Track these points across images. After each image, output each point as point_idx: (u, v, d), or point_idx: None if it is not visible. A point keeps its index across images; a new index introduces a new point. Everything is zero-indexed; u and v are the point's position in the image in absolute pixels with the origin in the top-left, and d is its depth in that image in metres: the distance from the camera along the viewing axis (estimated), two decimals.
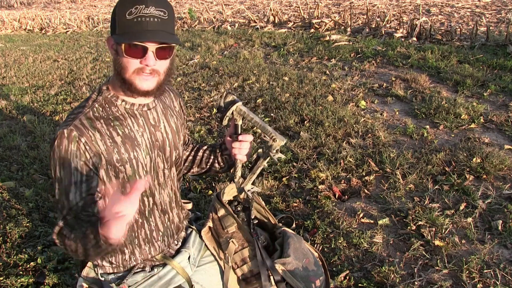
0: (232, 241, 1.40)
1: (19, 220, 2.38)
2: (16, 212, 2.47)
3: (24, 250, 2.14)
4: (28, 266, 2.02)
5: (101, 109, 1.13)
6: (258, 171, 1.33)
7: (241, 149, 1.31)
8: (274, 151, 1.27)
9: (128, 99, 1.16)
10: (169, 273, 1.29)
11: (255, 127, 1.28)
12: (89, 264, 1.28)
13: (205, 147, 1.46)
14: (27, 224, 2.35)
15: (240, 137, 1.30)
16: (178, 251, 1.36)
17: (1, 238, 2.23)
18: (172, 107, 1.31)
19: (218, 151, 1.44)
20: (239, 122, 1.30)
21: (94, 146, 1.08)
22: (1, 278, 1.92)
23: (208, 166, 1.46)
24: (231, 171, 1.44)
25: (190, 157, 1.46)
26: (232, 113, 1.28)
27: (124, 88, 1.12)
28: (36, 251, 2.12)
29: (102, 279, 1.27)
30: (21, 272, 1.98)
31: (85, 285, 1.27)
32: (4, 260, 2.06)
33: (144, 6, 1.03)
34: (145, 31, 1.03)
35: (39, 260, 2.04)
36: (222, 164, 1.44)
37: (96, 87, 1.16)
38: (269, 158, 1.29)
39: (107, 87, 1.16)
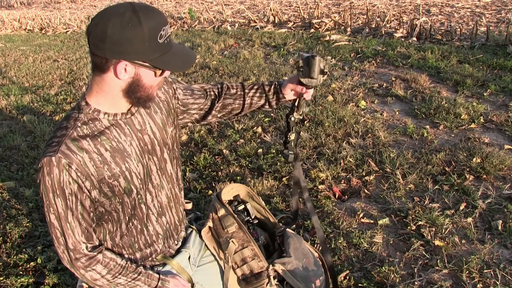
0: (232, 241, 1.40)
1: (19, 220, 2.38)
2: (16, 212, 2.47)
3: (24, 250, 2.14)
4: (28, 266, 2.02)
5: (85, 126, 1.08)
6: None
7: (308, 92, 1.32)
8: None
9: (110, 111, 1.11)
10: (169, 273, 1.29)
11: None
12: None
13: (251, 93, 1.40)
14: (27, 224, 2.35)
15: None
16: (178, 251, 1.36)
17: (1, 238, 2.23)
18: (156, 101, 1.26)
19: (272, 95, 1.39)
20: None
21: (85, 169, 1.05)
22: (1, 278, 1.92)
23: (252, 109, 1.45)
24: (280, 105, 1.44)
25: (237, 104, 1.41)
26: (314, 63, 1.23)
27: (134, 103, 1.10)
28: (36, 251, 2.12)
29: None
30: (21, 272, 1.98)
31: (84, 285, 1.27)
32: (4, 260, 2.06)
33: (166, 26, 1.02)
34: (184, 56, 1.07)
35: (39, 260, 2.04)
36: (274, 107, 1.43)
37: (75, 105, 1.14)
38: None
39: (85, 102, 1.10)
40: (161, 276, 1.23)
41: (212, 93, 1.42)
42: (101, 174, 1.08)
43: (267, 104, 1.41)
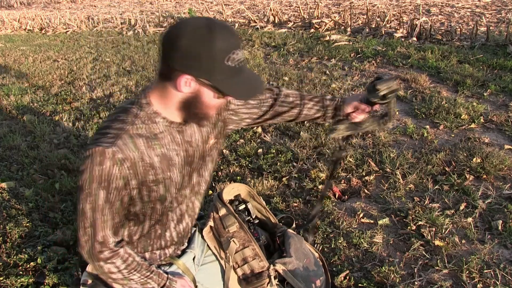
0: (233, 240, 1.40)
1: (19, 220, 2.38)
2: (16, 212, 2.47)
3: (24, 250, 2.14)
4: (28, 266, 2.02)
5: (142, 126, 1.07)
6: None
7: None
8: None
9: (168, 117, 1.09)
10: (175, 273, 1.29)
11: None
12: None
13: (310, 104, 1.37)
14: (27, 224, 2.34)
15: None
16: (183, 251, 1.37)
17: (1, 238, 2.23)
18: None
19: (331, 111, 1.37)
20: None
21: (135, 168, 1.05)
22: (1, 278, 1.92)
23: (305, 120, 1.43)
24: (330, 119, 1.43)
25: (292, 113, 1.39)
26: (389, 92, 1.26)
27: (188, 117, 1.09)
28: (36, 251, 2.12)
29: None
30: (21, 272, 1.98)
31: (89, 280, 1.27)
32: (4, 260, 2.06)
33: (238, 49, 0.99)
34: (251, 85, 1.04)
35: (39, 260, 2.04)
36: (327, 122, 1.41)
37: (134, 99, 1.11)
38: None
39: (147, 101, 1.08)
40: (169, 276, 1.23)
41: (267, 103, 1.38)
42: (145, 176, 1.08)
43: (322, 118, 1.40)
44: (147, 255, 1.26)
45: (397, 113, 3.56)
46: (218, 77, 0.98)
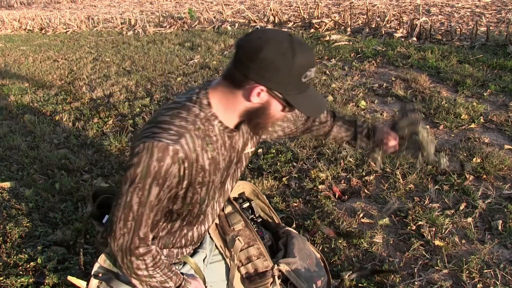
0: (238, 239, 1.40)
1: (19, 220, 2.38)
2: (16, 212, 2.47)
3: (24, 250, 2.14)
4: (28, 266, 2.02)
5: (201, 127, 1.05)
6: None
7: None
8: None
9: (224, 122, 1.09)
10: (188, 272, 1.29)
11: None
12: (108, 250, 1.27)
13: (340, 125, 1.44)
14: (27, 224, 2.35)
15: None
16: (195, 250, 1.37)
17: (1, 238, 2.23)
18: None
19: (359, 136, 1.43)
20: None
21: (190, 169, 1.05)
22: (1, 278, 1.92)
23: (337, 141, 1.49)
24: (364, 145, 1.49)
25: (322, 131, 1.46)
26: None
27: (249, 126, 1.11)
28: (36, 251, 2.12)
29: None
30: (21, 272, 1.98)
31: (101, 269, 1.27)
32: (4, 260, 2.06)
33: (314, 67, 1.02)
34: (317, 102, 1.07)
35: (39, 260, 2.04)
36: (356, 146, 1.49)
37: (194, 97, 1.09)
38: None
39: (208, 102, 1.07)
40: (184, 276, 1.23)
41: (302, 118, 1.42)
42: (196, 178, 1.08)
43: (352, 143, 1.47)
44: (165, 251, 1.26)
45: (397, 113, 3.56)
46: (291, 91, 1.01)
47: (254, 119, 1.07)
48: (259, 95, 1.01)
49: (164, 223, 1.20)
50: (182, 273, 1.25)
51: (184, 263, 1.31)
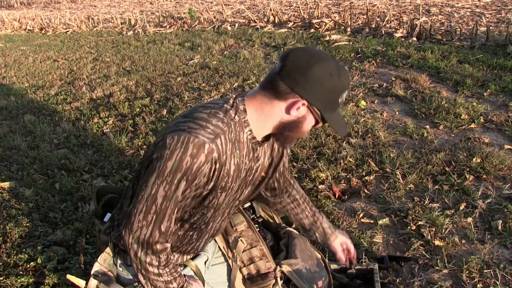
0: (241, 239, 1.40)
1: (19, 220, 2.38)
2: (16, 212, 2.47)
3: (24, 250, 2.14)
4: (28, 266, 2.02)
5: (234, 131, 1.07)
6: None
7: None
8: None
9: (254, 131, 1.10)
10: (190, 276, 1.29)
11: None
12: (108, 250, 1.26)
13: (305, 221, 1.54)
14: (27, 224, 2.35)
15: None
16: (197, 253, 1.37)
17: (1, 238, 2.23)
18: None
19: (315, 235, 1.54)
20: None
21: (219, 171, 1.05)
22: (1, 278, 1.92)
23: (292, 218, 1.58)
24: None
25: (289, 212, 1.55)
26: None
27: (278, 138, 1.13)
28: (36, 251, 2.12)
29: (120, 269, 1.25)
30: (21, 272, 1.98)
31: (101, 270, 1.26)
32: (4, 260, 2.06)
33: (348, 90, 1.08)
34: (342, 121, 1.14)
35: (39, 260, 2.04)
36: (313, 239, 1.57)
37: (231, 101, 1.10)
38: None
39: (244, 108, 1.08)
40: (186, 278, 1.23)
41: (286, 188, 1.51)
42: (220, 181, 1.08)
43: (307, 231, 1.57)
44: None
45: (397, 113, 3.56)
46: (328, 109, 1.06)
47: (286, 131, 1.09)
48: (299, 109, 1.04)
49: (175, 226, 1.19)
50: (184, 275, 1.24)
51: (185, 265, 1.31)
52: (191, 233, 1.22)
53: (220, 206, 1.16)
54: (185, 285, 1.19)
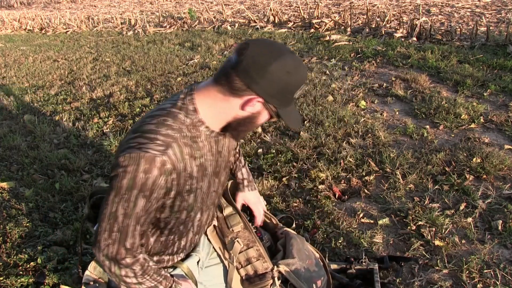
0: (237, 241, 1.39)
1: (19, 220, 2.38)
2: (16, 212, 2.47)
3: (24, 250, 2.14)
4: (28, 266, 2.02)
5: (188, 134, 1.04)
6: None
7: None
8: None
9: (211, 126, 1.09)
10: (180, 276, 1.29)
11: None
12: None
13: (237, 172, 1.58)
14: (27, 224, 2.35)
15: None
16: (188, 254, 1.36)
17: (1, 238, 2.23)
18: None
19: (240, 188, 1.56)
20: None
21: (178, 179, 1.04)
22: (1, 278, 1.92)
23: None
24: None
25: None
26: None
27: (232, 132, 1.12)
28: (36, 251, 2.12)
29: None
30: (21, 272, 1.98)
31: (91, 278, 1.26)
32: (4, 260, 2.06)
33: (305, 85, 1.07)
34: (297, 116, 1.13)
35: (39, 260, 2.04)
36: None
37: (179, 103, 1.07)
38: None
39: (194, 108, 1.06)
40: (174, 278, 1.23)
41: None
42: (184, 186, 1.07)
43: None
44: (155, 258, 1.25)
45: (397, 113, 3.56)
46: (283, 105, 1.06)
47: (240, 126, 1.09)
48: (254, 106, 1.04)
49: (152, 230, 1.19)
50: (172, 275, 1.24)
51: (175, 267, 1.30)
52: (172, 236, 1.22)
53: (192, 206, 1.15)
54: (173, 286, 1.18)
